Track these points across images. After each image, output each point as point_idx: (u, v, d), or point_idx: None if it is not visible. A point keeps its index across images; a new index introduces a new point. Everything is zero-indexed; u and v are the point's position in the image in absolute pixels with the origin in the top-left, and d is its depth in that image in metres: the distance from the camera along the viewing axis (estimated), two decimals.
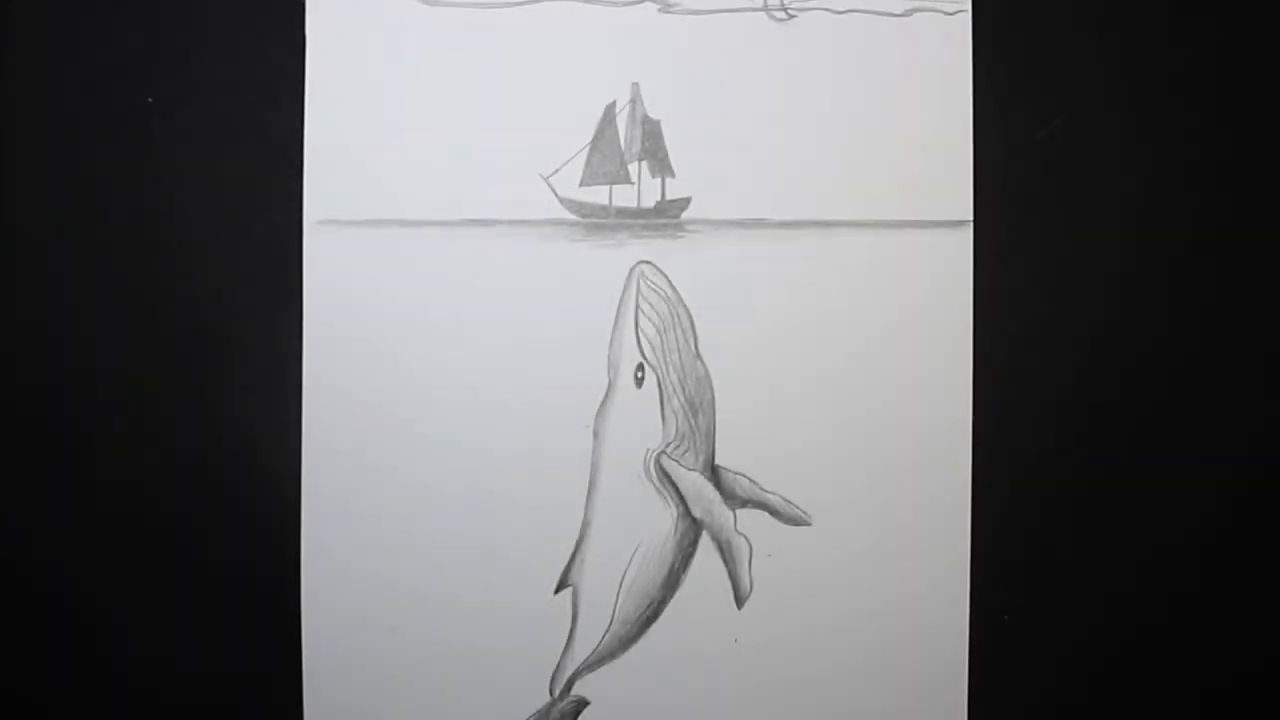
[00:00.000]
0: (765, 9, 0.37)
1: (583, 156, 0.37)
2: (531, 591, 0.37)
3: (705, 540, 0.37)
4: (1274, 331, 0.38)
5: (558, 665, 0.37)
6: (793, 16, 0.37)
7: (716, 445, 0.37)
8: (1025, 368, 0.37)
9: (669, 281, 0.37)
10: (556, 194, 0.37)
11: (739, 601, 0.37)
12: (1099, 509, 0.37)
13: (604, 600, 0.37)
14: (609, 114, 0.37)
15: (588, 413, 0.37)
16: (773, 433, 0.37)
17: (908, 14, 0.37)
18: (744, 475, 0.37)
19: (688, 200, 0.37)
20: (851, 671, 0.37)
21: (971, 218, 0.37)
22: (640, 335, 0.37)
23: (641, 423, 0.37)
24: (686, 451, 0.37)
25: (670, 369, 0.37)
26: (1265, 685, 0.37)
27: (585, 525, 0.37)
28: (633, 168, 0.37)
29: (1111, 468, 0.38)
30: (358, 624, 0.37)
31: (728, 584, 0.37)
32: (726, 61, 0.37)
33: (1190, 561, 0.37)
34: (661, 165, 0.37)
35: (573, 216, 0.37)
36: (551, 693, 0.37)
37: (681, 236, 0.37)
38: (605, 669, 0.37)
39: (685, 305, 0.37)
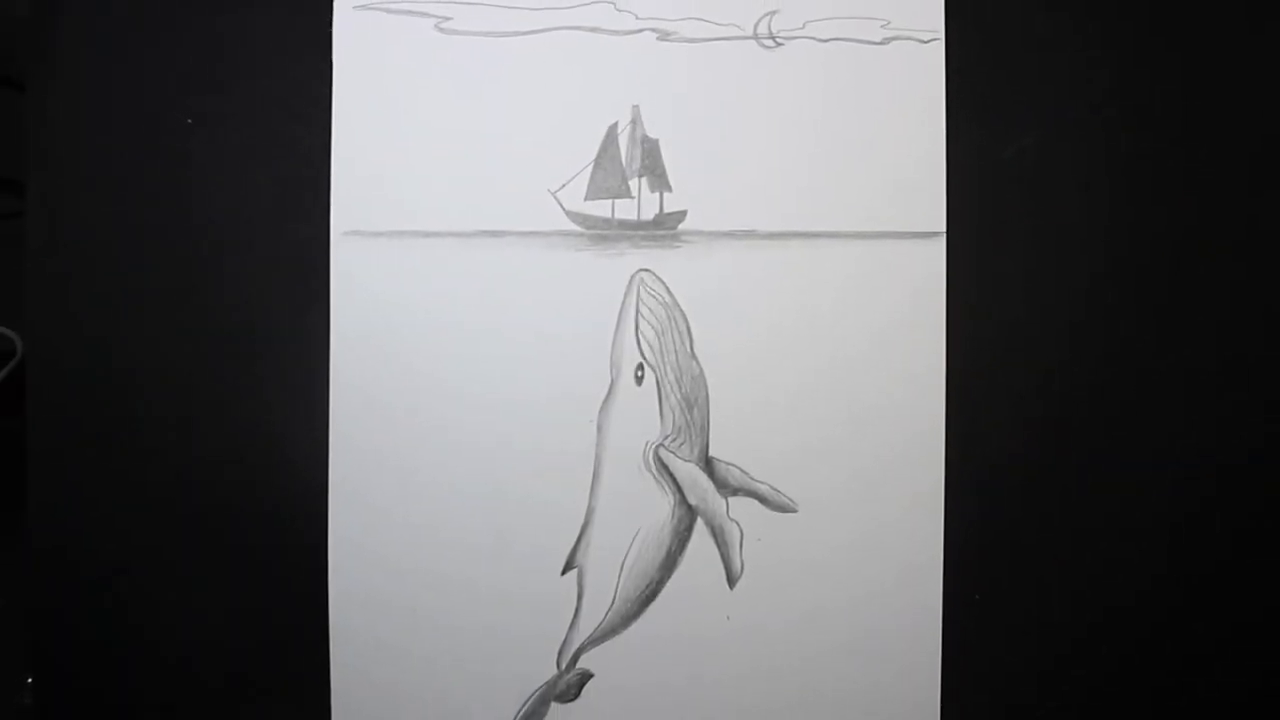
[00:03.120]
0: (755, 38, 0.37)
1: (587, 173, 0.37)
2: (540, 573, 0.37)
3: (700, 526, 0.37)
4: (1231, 338, 0.38)
5: (564, 641, 0.37)
6: (780, 45, 0.37)
7: (710, 438, 0.37)
8: (994, 368, 0.37)
9: (666, 288, 0.37)
10: (563, 207, 0.37)
11: (731, 582, 0.37)
12: (1062, 501, 0.37)
13: (607, 581, 0.37)
14: (611, 134, 0.37)
15: (591, 409, 0.37)
16: (762, 427, 0.37)
17: (886, 42, 0.37)
18: (735, 466, 0.37)
19: (684, 213, 0.37)
20: (835, 646, 0.37)
21: (944, 229, 0.37)
22: (640, 337, 0.37)
23: (641, 418, 0.37)
24: (683, 444, 0.37)
25: (668, 368, 0.37)
26: (1218, 665, 0.38)
27: (590, 512, 0.37)
28: (633, 183, 0.37)
29: (1073, 463, 0.37)
30: (380, 604, 0.37)
31: (720, 566, 0.37)
32: (720, 86, 0.37)
33: (1148, 547, 0.38)
34: (660, 181, 0.37)
35: (578, 228, 0.37)
36: (559, 666, 0.37)
37: (678, 247, 0.37)
38: (608, 644, 0.37)
39: (681, 310, 0.37)
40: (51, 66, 0.37)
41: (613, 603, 0.37)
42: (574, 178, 0.37)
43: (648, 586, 0.37)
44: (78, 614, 0.38)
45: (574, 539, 0.37)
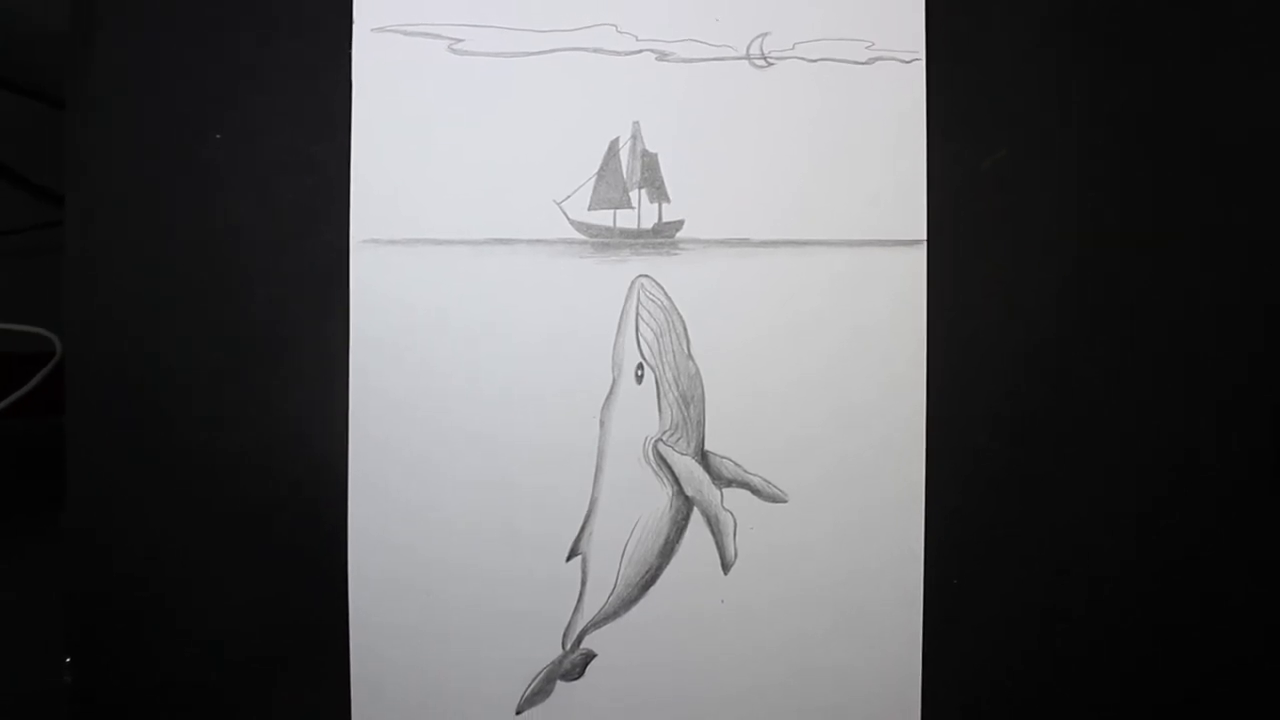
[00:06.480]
0: (748, 58, 0.38)
1: (590, 185, 0.38)
2: (546, 560, 0.38)
3: (696, 515, 0.38)
4: (1198, 340, 0.38)
5: (569, 623, 0.38)
6: (771, 65, 0.38)
7: (706, 433, 0.38)
8: (972, 367, 0.38)
9: (665, 292, 0.38)
10: (568, 217, 0.38)
11: (725, 568, 0.38)
12: (1036, 493, 0.38)
13: (609, 567, 0.38)
14: (613, 148, 0.38)
15: (594, 406, 0.38)
16: (755, 423, 0.38)
17: (870, 62, 0.38)
18: (730, 459, 0.38)
19: (681, 222, 0.38)
20: (823, 627, 0.38)
21: (925, 237, 0.38)
22: (640, 339, 0.38)
23: (641, 414, 0.38)
24: (680, 439, 0.38)
25: (666, 368, 0.38)
26: (1183, 646, 0.39)
27: (593, 502, 0.38)
28: (633, 194, 0.38)
29: (1046, 456, 0.38)
30: (397, 590, 0.38)
31: (715, 553, 0.38)
32: (715, 103, 0.38)
33: (1117, 535, 0.38)
34: (658, 192, 0.38)
35: (582, 237, 0.38)
36: (564, 647, 0.38)
37: (676, 254, 0.38)
38: (610, 626, 0.38)
39: (679, 313, 0.38)
40: (90, 85, 0.38)
41: (614, 587, 0.38)
42: (578, 189, 0.38)
43: (647, 572, 0.38)
44: (113, 599, 0.39)
45: (578, 528, 0.38)
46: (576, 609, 0.38)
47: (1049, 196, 0.38)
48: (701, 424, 0.38)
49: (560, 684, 0.38)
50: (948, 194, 0.38)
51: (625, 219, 0.38)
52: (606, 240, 0.38)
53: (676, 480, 0.38)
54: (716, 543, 0.38)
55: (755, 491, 0.38)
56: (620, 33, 0.38)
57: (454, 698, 0.38)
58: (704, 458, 0.38)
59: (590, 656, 0.38)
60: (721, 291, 0.38)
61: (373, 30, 0.38)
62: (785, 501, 0.38)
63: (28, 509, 0.49)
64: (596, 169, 0.38)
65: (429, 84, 0.38)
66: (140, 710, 0.39)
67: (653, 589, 0.38)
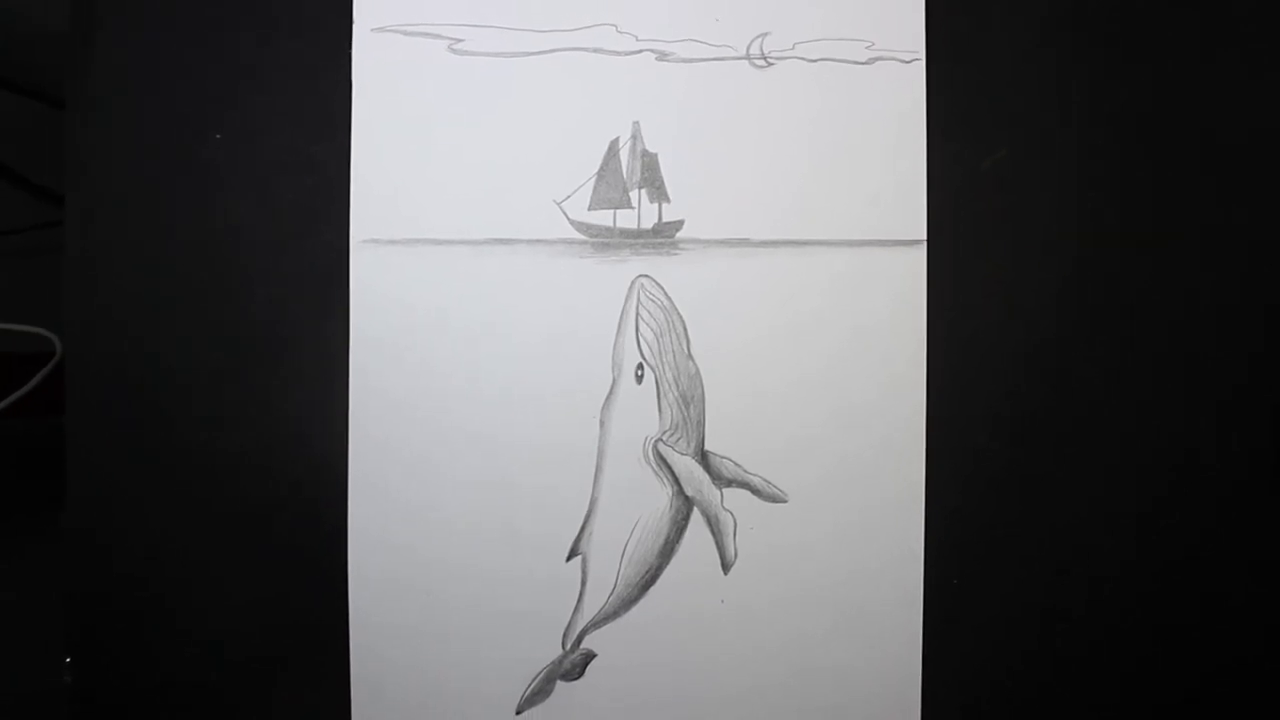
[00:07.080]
0: (748, 58, 0.38)
1: (590, 185, 0.38)
2: (546, 560, 0.38)
3: (696, 515, 0.38)
4: (1196, 340, 0.39)
5: (569, 623, 0.38)
6: (771, 65, 0.38)
7: (706, 433, 0.38)
8: (972, 367, 0.38)
9: (665, 292, 0.38)
10: (568, 217, 0.38)
11: (725, 568, 0.38)
12: (1036, 493, 0.38)
13: (609, 567, 0.38)
14: (613, 148, 0.38)
15: (594, 406, 0.38)
16: (755, 423, 0.38)
17: (870, 62, 0.38)
18: (730, 459, 0.38)
19: (681, 222, 0.38)
20: (823, 627, 0.38)
21: (925, 237, 0.38)
22: (640, 339, 0.38)
23: (641, 414, 0.38)
24: (680, 439, 0.38)
25: (666, 368, 0.38)
26: (1181, 646, 0.39)
27: (593, 502, 0.38)
28: (633, 194, 0.38)
29: (1046, 457, 0.38)
30: (396, 590, 0.38)
31: (715, 553, 0.38)
32: (715, 103, 0.38)
33: (1117, 535, 0.38)
34: (658, 192, 0.38)
35: (582, 237, 0.38)
36: (564, 647, 0.38)
37: (676, 254, 0.38)
38: (610, 626, 0.38)
39: (679, 313, 0.38)
40: (90, 85, 0.38)
41: (614, 587, 0.38)
42: (578, 189, 0.38)
43: (647, 572, 0.38)
44: (113, 599, 0.39)
45: (578, 528, 0.38)
46: (576, 609, 0.38)
47: (1049, 196, 0.39)
48: (701, 424, 0.38)
49: (560, 684, 0.38)
50: (948, 194, 0.38)
51: (625, 219, 0.38)
52: (606, 240, 0.38)
53: (676, 480, 0.38)
54: (716, 543, 0.38)
55: (755, 491, 0.38)
56: (620, 33, 0.38)
57: (454, 698, 0.38)
58: (704, 458, 0.38)
59: (590, 656, 0.38)
60: (721, 291, 0.38)
61: (373, 30, 0.38)
62: (785, 501, 0.38)
63: (28, 509, 0.49)
64: (596, 169, 0.38)
65: (429, 84, 0.38)
66: (140, 710, 0.39)
67: (653, 589, 0.38)
